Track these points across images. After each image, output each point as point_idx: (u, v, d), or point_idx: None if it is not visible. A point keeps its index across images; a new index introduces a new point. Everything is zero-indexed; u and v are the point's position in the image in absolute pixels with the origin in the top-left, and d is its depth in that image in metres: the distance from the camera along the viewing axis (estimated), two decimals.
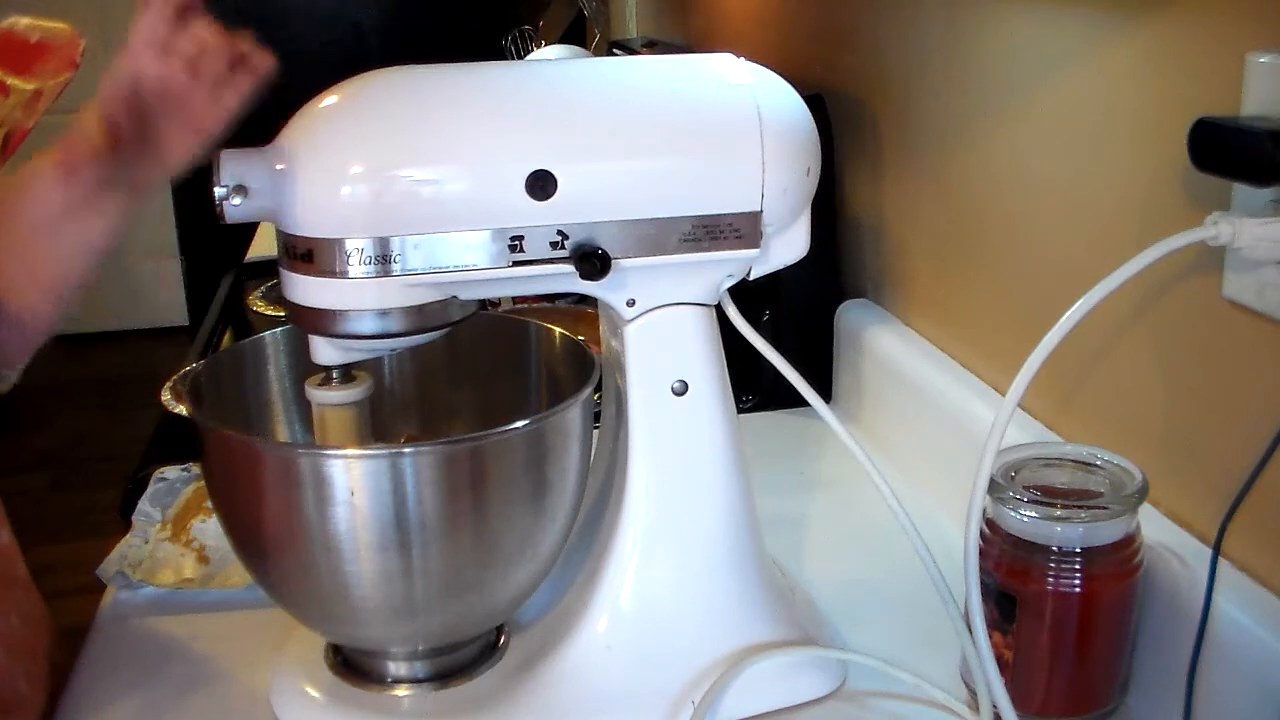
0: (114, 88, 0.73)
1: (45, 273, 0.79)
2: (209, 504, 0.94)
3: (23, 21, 0.82)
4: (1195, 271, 0.72)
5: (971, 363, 1.03)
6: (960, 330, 1.05)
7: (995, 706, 0.69)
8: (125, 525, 0.99)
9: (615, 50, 2.18)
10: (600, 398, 0.79)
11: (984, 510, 0.72)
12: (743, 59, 0.73)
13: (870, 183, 1.20)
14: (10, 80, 0.80)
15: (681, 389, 0.73)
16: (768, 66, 0.73)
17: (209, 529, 0.95)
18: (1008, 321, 0.96)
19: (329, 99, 0.67)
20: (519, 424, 0.69)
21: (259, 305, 1.55)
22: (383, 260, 0.66)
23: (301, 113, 0.67)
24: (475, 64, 0.71)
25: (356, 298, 0.67)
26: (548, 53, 2.16)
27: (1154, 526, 0.74)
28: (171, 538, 0.96)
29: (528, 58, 2.28)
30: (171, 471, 1.03)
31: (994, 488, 0.72)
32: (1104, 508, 0.70)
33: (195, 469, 1.03)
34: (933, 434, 1.03)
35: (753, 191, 0.70)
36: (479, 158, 0.66)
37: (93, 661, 0.83)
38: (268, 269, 1.47)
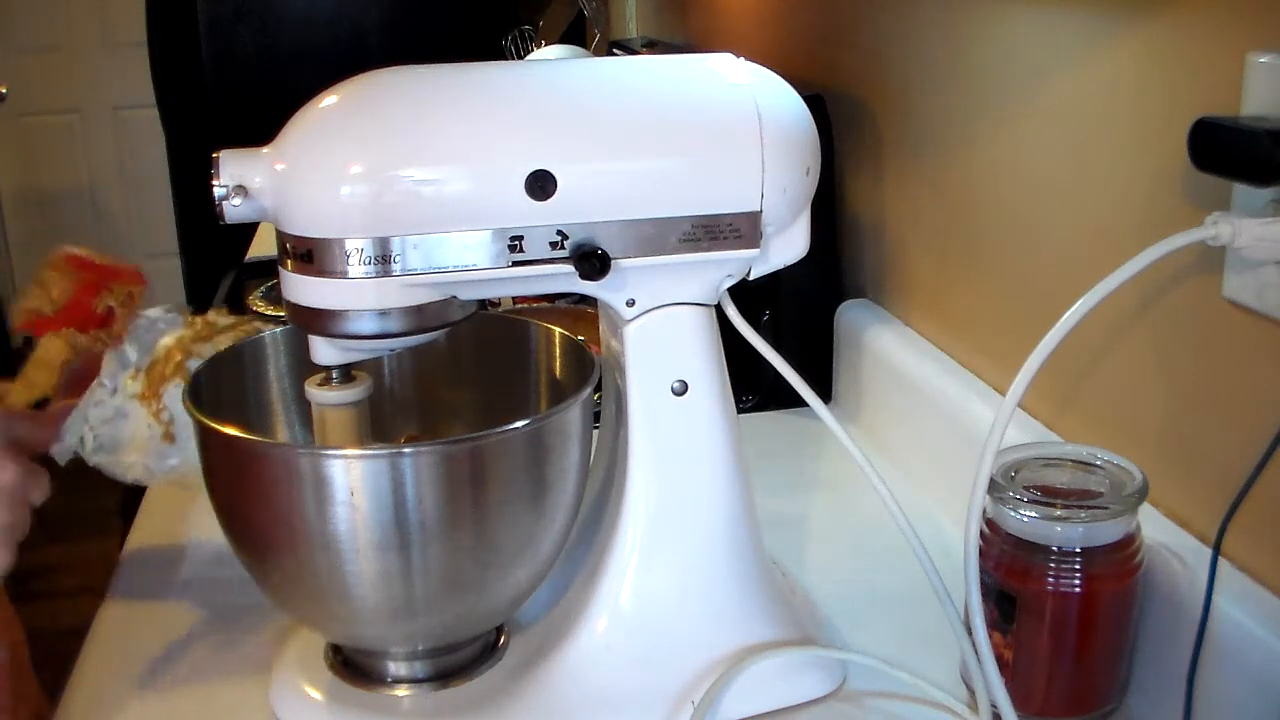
0: None
1: None
2: (190, 363, 0.86)
3: (75, 249, 0.88)
4: (1195, 271, 0.72)
5: (971, 363, 1.03)
6: (960, 330, 1.05)
7: (995, 706, 0.69)
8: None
9: (615, 50, 2.18)
10: (600, 398, 0.79)
11: (984, 510, 0.72)
12: (743, 59, 0.73)
13: (870, 183, 1.20)
14: (111, 284, 0.85)
15: (681, 389, 0.73)
16: (768, 66, 0.73)
17: (179, 398, 0.84)
18: (1008, 321, 0.96)
19: (329, 99, 0.67)
20: (519, 424, 0.69)
21: (259, 305, 1.54)
22: (382, 260, 0.66)
23: (301, 113, 0.67)
24: (475, 64, 0.71)
25: (356, 298, 0.67)
26: (548, 53, 2.16)
27: (1154, 526, 0.74)
28: (142, 395, 0.87)
29: (528, 58, 2.28)
30: (155, 311, 0.91)
31: (994, 488, 0.72)
32: (1104, 508, 0.70)
33: (180, 312, 0.91)
34: (933, 434, 1.03)
35: (752, 191, 0.70)
36: (479, 158, 0.66)
37: (93, 662, 0.83)
38: (268, 269, 1.47)
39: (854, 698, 0.78)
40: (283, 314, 0.73)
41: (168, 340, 0.90)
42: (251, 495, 0.71)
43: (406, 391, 0.88)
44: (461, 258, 0.67)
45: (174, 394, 0.86)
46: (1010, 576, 0.72)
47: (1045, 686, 0.73)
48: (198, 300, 2.84)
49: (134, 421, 0.86)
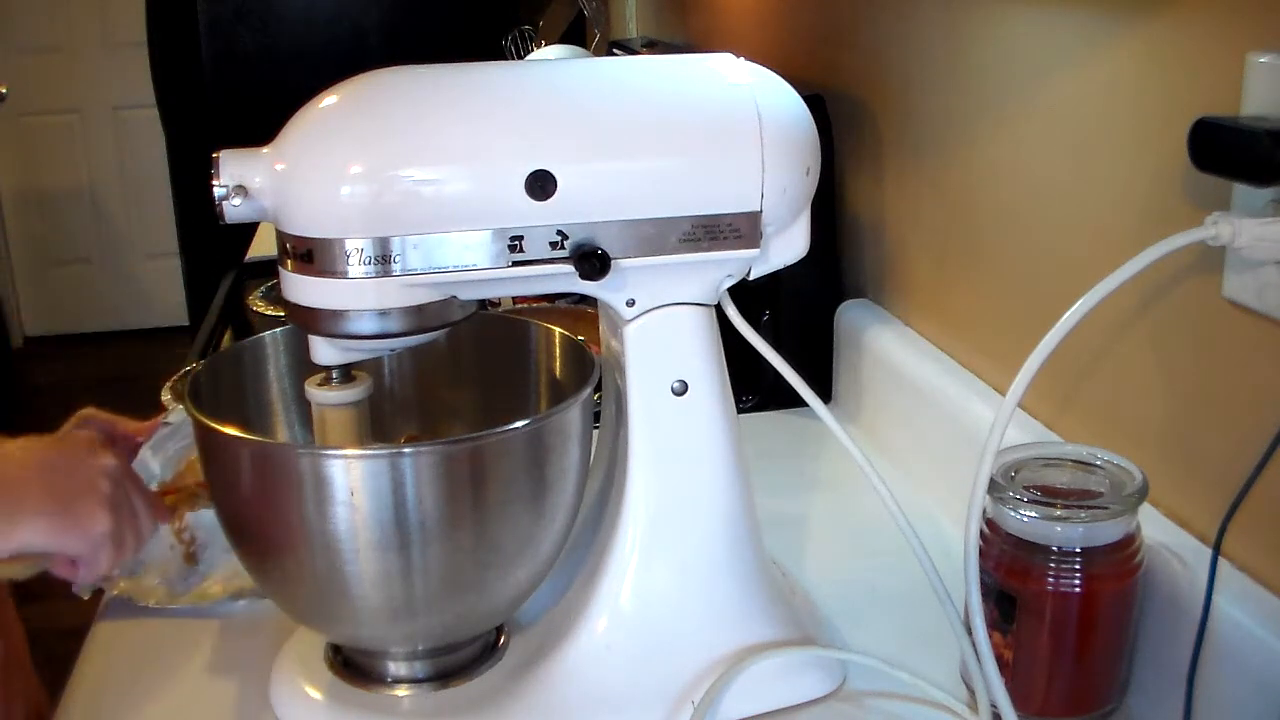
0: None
1: None
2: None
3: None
4: (1195, 271, 0.72)
5: (971, 363, 1.03)
6: (960, 330, 1.05)
7: (995, 706, 0.69)
8: None
9: (615, 50, 2.18)
10: (600, 398, 0.79)
11: (984, 510, 0.72)
12: (743, 59, 0.73)
13: (870, 183, 1.20)
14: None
15: (681, 389, 0.73)
16: (768, 66, 0.73)
17: (204, 519, 0.89)
18: (1008, 321, 0.96)
19: (329, 99, 0.67)
20: (519, 424, 0.69)
21: (259, 305, 1.55)
22: (382, 260, 0.66)
23: (301, 113, 0.67)
24: (475, 64, 0.71)
25: (356, 298, 0.67)
26: (548, 53, 2.16)
27: (1154, 526, 0.74)
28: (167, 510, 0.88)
29: (528, 58, 2.28)
30: (176, 416, 0.94)
31: (994, 488, 0.72)
32: (1104, 508, 0.70)
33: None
34: (933, 434, 1.03)
35: (752, 191, 0.70)
36: (479, 158, 0.66)
37: (92, 662, 0.83)
38: (268, 269, 1.47)
39: (854, 698, 0.78)
40: (283, 314, 0.73)
41: (190, 453, 0.91)
42: (251, 495, 0.71)
43: (406, 391, 0.88)
44: (461, 258, 0.67)
45: (195, 516, 0.89)
46: (1010, 576, 0.72)
47: (1045, 686, 0.73)
48: (198, 300, 2.84)
49: (157, 539, 0.87)
